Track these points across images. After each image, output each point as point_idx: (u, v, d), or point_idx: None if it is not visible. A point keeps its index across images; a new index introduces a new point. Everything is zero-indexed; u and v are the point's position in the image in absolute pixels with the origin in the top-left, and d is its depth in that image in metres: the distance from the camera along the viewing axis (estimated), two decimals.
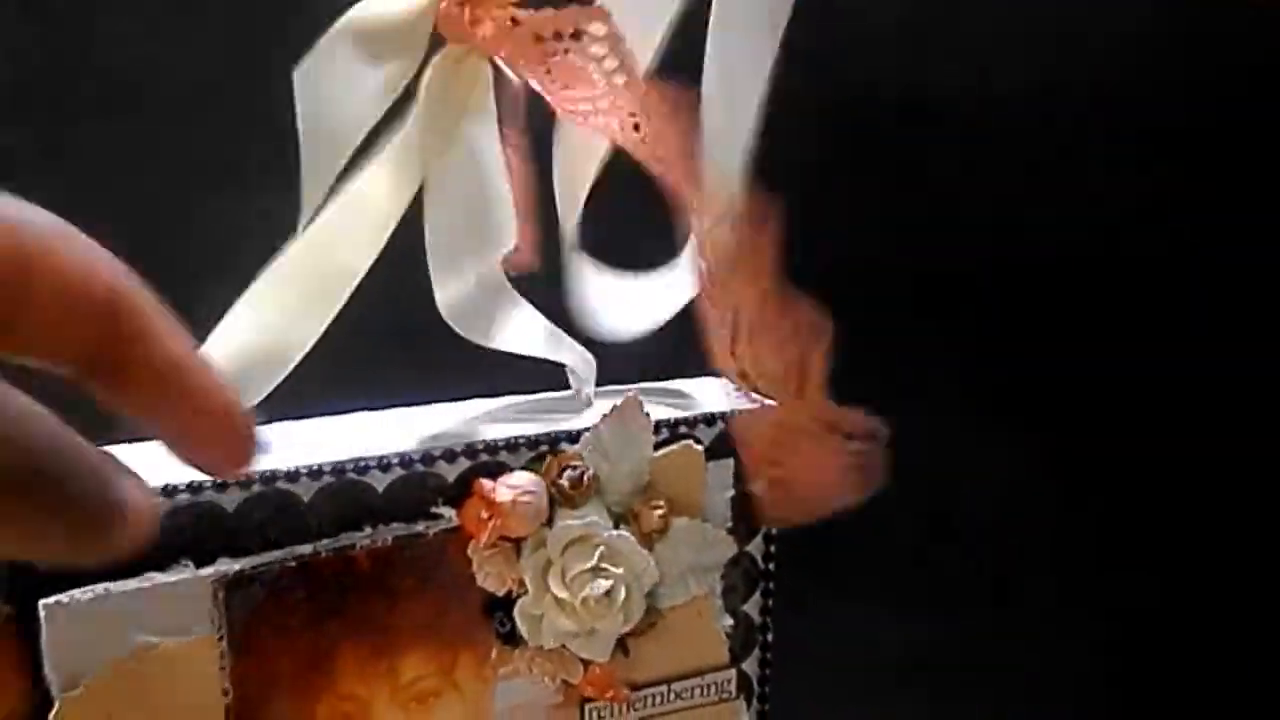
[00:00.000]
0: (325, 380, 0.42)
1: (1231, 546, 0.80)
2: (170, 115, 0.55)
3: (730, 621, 0.49)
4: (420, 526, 0.42)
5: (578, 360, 0.46)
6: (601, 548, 0.43)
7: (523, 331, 0.44)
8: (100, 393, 0.24)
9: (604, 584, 0.43)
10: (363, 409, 0.45)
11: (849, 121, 0.67)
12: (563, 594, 0.43)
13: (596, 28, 0.38)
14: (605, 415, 0.44)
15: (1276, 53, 0.70)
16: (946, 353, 0.72)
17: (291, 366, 0.42)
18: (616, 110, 0.40)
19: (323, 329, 0.41)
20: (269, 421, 0.43)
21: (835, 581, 0.63)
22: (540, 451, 0.44)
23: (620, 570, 0.43)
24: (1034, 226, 0.73)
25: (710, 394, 0.49)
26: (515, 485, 0.42)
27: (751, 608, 0.49)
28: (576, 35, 0.38)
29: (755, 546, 0.49)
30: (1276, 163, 0.73)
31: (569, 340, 0.46)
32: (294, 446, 0.41)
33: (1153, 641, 0.80)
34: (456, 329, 0.43)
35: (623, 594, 0.43)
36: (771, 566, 0.49)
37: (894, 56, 0.67)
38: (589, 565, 0.43)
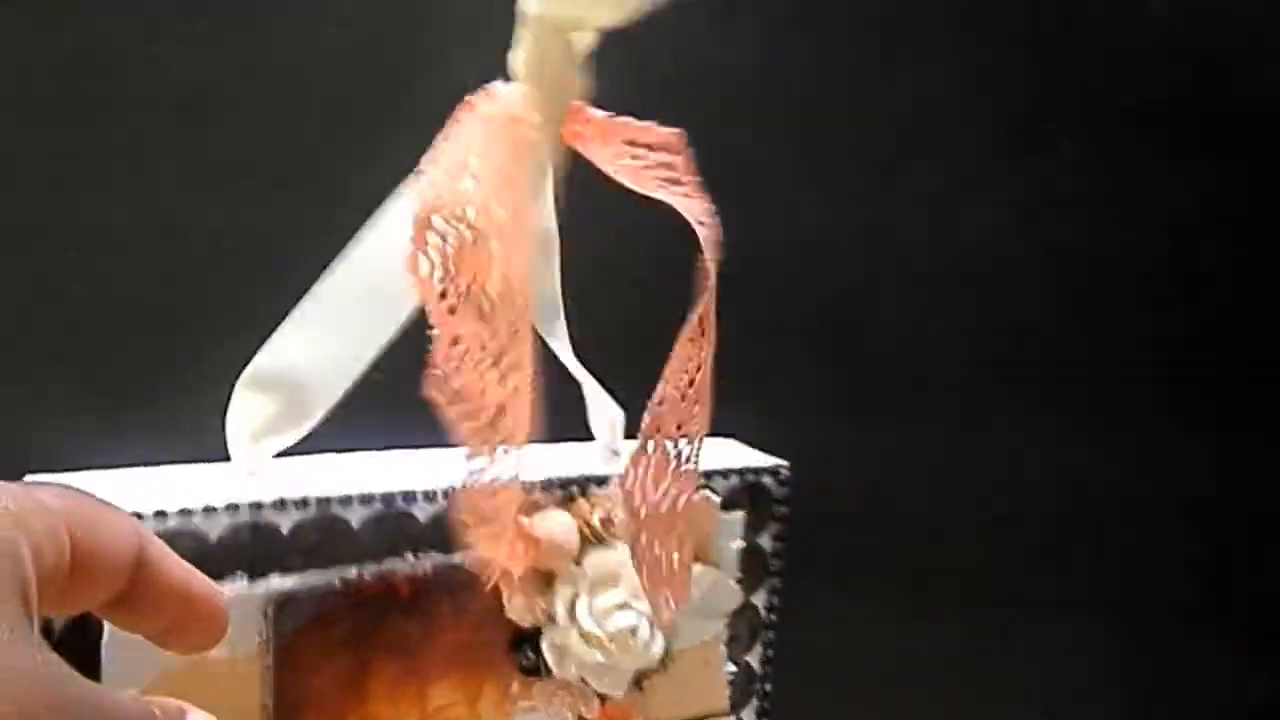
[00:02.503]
0: (375, 413, 0.44)
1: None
2: (171, 115, 0.55)
3: (733, 668, 0.51)
4: (457, 558, 0.45)
5: (609, 418, 0.49)
6: (628, 583, 0.46)
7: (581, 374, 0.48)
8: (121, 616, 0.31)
9: (630, 617, 0.45)
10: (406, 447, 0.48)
11: None
12: (590, 626, 0.45)
13: (664, 148, 0.41)
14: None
15: None
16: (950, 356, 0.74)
17: (341, 394, 0.44)
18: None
19: (375, 355, 0.43)
20: (320, 451, 0.46)
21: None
22: (571, 493, 0.47)
23: (646, 606, 0.46)
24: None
25: (726, 452, 0.52)
26: (549, 521, 0.45)
27: (753, 658, 0.52)
28: (649, 147, 0.42)
29: (760, 598, 0.52)
30: None
31: (607, 399, 0.49)
32: (346, 475, 0.44)
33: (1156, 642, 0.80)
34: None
35: (646, 630, 0.46)
36: (774, 618, 0.52)
37: None
38: (617, 601, 0.45)
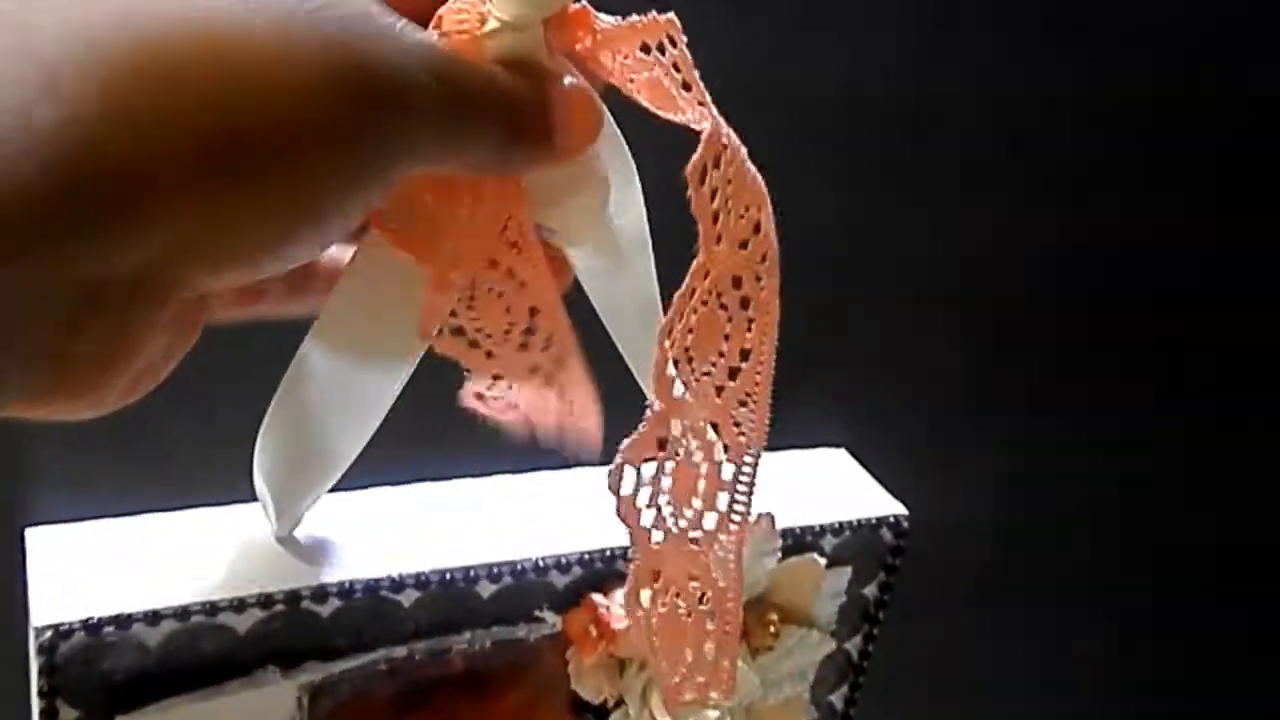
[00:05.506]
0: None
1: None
2: None
3: (815, 714, 0.46)
4: (521, 631, 0.39)
5: None
6: None
7: None
8: None
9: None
10: (465, 472, 0.41)
11: None
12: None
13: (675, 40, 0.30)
14: None
15: None
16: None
17: (344, 469, 0.36)
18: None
19: (367, 438, 0.35)
20: (364, 487, 0.40)
21: None
22: None
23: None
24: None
25: (837, 487, 0.45)
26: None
27: (837, 698, 0.47)
28: (661, 48, 0.31)
29: (854, 644, 0.46)
30: None
31: None
32: (398, 546, 0.37)
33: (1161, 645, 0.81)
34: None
35: None
36: (866, 663, 0.47)
37: None
38: None
